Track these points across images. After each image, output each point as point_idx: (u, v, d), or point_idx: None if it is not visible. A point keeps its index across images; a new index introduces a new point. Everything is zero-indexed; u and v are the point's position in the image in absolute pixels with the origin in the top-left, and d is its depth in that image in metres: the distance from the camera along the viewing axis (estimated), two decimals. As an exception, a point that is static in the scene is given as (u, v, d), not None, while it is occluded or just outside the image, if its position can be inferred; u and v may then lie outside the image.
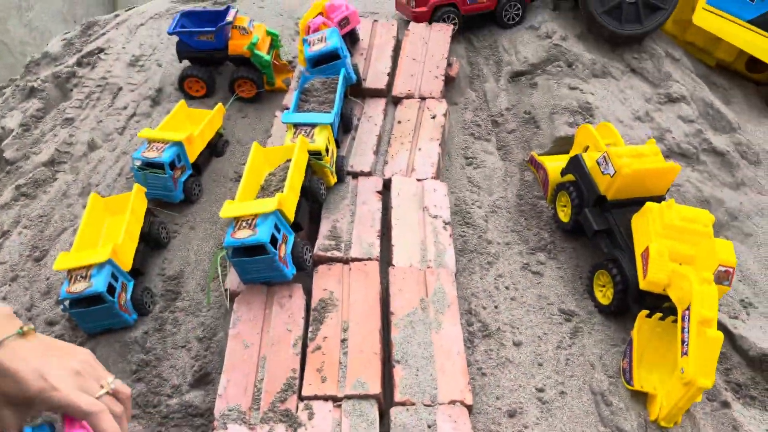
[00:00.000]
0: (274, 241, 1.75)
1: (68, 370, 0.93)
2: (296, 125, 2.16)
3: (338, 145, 2.32)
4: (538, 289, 2.07)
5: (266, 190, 2.01)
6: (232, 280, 1.93)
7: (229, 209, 1.81)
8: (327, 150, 2.10)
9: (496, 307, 1.99)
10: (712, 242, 1.75)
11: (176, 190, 2.25)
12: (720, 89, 3.19)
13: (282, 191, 1.87)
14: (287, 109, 2.63)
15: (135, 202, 2.05)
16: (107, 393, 0.92)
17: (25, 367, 0.91)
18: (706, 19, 3.00)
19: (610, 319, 1.98)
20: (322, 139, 2.09)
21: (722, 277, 1.71)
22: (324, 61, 2.43)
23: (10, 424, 0.97)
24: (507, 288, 2.06)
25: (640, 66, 2.93)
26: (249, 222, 1.75)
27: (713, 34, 3.08)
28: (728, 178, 2.64)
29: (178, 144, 2.24)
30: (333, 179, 2.18)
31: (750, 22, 3.01)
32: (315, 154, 2.07)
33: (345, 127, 2.46)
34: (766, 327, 2.04)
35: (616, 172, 1.94)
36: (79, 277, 1.81)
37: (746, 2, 2.99)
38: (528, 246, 2.22)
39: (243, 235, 1.72)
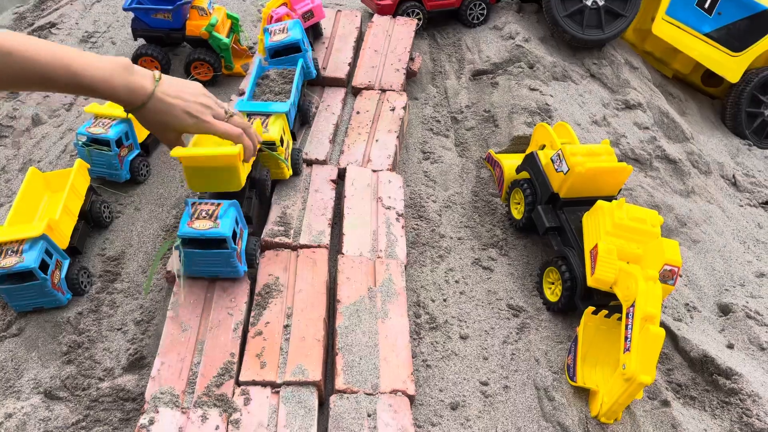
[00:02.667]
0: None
1: (202, 106, 1.48)
2: (250, 113, 2.08)
3: (294, 137, 2.26)
4: (487, 284, 2.05)
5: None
6: (173, 261, 1.86)
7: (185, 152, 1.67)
8: (282, 141, 2.03)
9: (444, 300, 1.97)
10: (660, 242, 1.76)
11: (122, 169, 2.17)
12: (676, 100, 3.26)
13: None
14: (243, 94, 2.58)
15: (76, 177, 1.97)
16: (231, 116, 1.56)
17: (177, 109, 1.42)
18: (664, 29, 3.06)
19: (557, 316, 1.98)
20: (276, 129, 2.00)
21: (667, 276, 1.72)
22: (284, 52, 2.36)
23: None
24: (457, 282, 2.04)
25: (600, 72, 2.96)
26: (209, 213, 1.66)
27: (671, 45, 3.15)
28: (679, 186, 2.69)
29: (126, 121, 2.16)
30: (288, 172, 2.11)
31: (707, 35, 3.09)
32: (269, 144, 1.98)
33: (302, 119, 2.39)
34: (708, 330, 2.07)
35: (569, 169, 1.94)
36: (10, 252, 1.72)
37: (704, 15, 3.06)
38: (480, 242, 2.21)
39: (202, 226, 1.63)
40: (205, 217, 1.65)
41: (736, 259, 2.41)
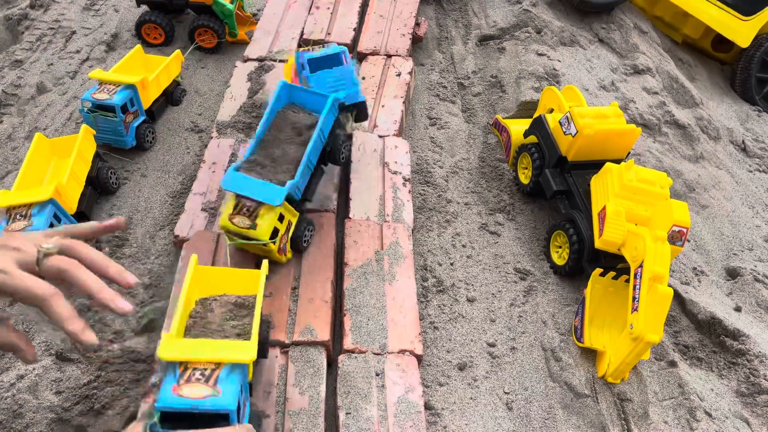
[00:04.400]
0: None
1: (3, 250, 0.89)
2: (238, 195, 1.60)
3: (307, 198, 1.76)
4: (494, 248, 2.05)
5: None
6: (181, 226, 1.86)
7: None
8: (276, 232, 1.62)
9: (451, 264, 1.97)
10: (669, 203, 1.75)
11: (128, 135, 2.16)
12: (685, 65, 3.22)
13: None
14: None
15: (82, 143, 1.96)
16: (46, 255, 0.88)
17: None
18: (675, -8, 3.01)
19: (564, 280, 1.98)
20: (266, 224, 1.57)
21: (676, 237, 1.71)
22: (325, 65, 1.92)
23: None
24: (464, 246, 2.04)
25: (608, 36, 2.92)
26: (206, 374, 1.10)
27: (681, 10, 3.09)
28: (688, 151, 2.66)
29: (131, 87, 2.14)
30: (284, 258, 1.71)
31: (717, -2, 3.03)
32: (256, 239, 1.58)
33: (332, 160, 1.86)
34: (716, 294, 2.07)
35: (578, 132, 1.93)
36: (18, 216, 1.72)
37: (715, -22, 3.00)
38: (487, 207, 2.20)
39: (195, 393, 1.06)
40: (199, 379, 1.10)
41: (744, 224, 2.40)
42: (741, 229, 2.38)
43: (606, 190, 1.83)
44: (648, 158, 2.51)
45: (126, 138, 2.16)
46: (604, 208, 1.79)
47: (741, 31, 3.09)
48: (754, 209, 2.51)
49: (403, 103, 2.39)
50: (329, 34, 2.62)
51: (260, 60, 2.53)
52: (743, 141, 2.87)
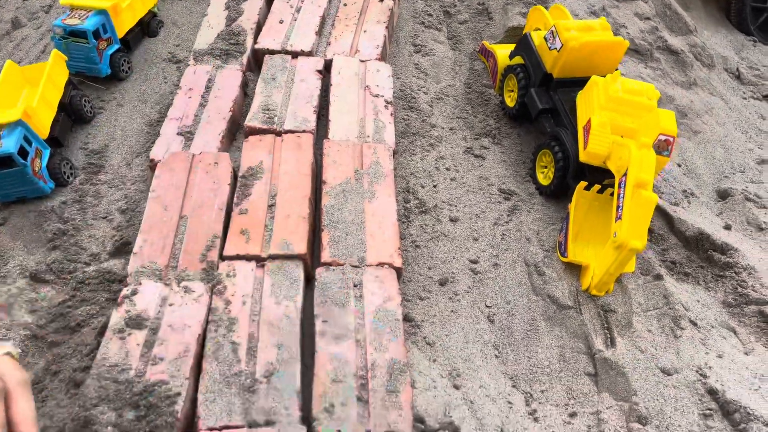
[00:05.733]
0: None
1: None
2: None
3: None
4: (479, 171, 2.01)
5: None
6: (156, 150, 1.82)
7: None
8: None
9: (434, 186, 1.93)
10: (656, 113, 1.70)
11: (101, 62, 2.10)
12: (679, -6, 3.12)
13: None
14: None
15: (52, 68, 1.90)
16: None
17: None
18: None
19: (549, 200, 1.94)
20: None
21: (662, 147, 1.67)
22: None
23: None
24: (447, 169, 1.99)
25: (600, -38, 2.82)
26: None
27: (676, -65, 2.98)
28: (681, 77, 2.60)
29: (103, 12, 2.08)
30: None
31: None
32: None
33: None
34: (705, 213, 2.03)
35: (563, 45, 1.86)
36: (-13, 138, 1.68)
37: None
38: (473, 132, 2.15)
39: None
40: None
41: (737, 148, 2.35)
42: (733, 153, 2.33)
43: (591, 104, 1.78)
44: (639, 84, 2.44)
45: (100, 65, 2.10)
46: (588, 121, 1.73)
47: (737, -43, 3.00)
48: (747, 134, 2.45)
49: (386, 28, 2.32)
50: (309, -39, 2.52)
51: (238, -12, 2.45)
52: (737, 69, 2.80)
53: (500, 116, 2.21)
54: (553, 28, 1.90)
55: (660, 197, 2.04)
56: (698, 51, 2.74)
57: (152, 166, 1.82)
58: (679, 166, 2.24)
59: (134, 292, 1.42)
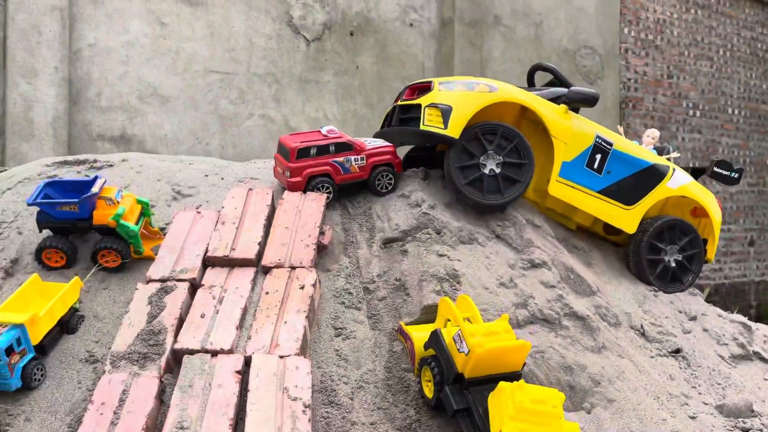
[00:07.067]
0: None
1: None
2: None
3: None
4: (401, 475, 1.98)
5: None
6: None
7: None
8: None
9: (355, 499, 1.88)
10: (560, 424, 1.76)
11: (12, 377, 2.06)
12: (581, 252, 3.41)
13: None
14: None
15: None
16: None
17: None
18: (560, 190, 3.26)
19: (473, 506, 1.90)
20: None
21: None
22: None
23: None
24: (368, 476, 1.96)
25: (504, 233, 3.09)
26: None
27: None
28: (590, 342, 2.74)
29: (19, 326, 2.08)
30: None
31: (599, 192, 3.31)
32: None
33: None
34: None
35: (470, 351, 1.97)
36: None
37: (594, 175, 3.30)
38: (393, 425, 2.16)
39: None
40: None
41: (650, 418, 2.43)
42: (648, 423, 2.40)
43: (501, 413, 1.84)
44: (551, 354, 2.56)
45: (10, 381, 2.06)
46: (500, 433, 1.78)
47: (626, 218, 3.35)
48: (659, 400, 2.55)
49: (307, 317, 2.40)
50: (233, 249, 2.67)
51: (162, 281, 2.53)
52: (641, 326, 3.00)
53: (420, 404, 2.24)
54: (459, 332, 2.02)
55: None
56: (603, 312, 2.94)
57: None
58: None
59: None
